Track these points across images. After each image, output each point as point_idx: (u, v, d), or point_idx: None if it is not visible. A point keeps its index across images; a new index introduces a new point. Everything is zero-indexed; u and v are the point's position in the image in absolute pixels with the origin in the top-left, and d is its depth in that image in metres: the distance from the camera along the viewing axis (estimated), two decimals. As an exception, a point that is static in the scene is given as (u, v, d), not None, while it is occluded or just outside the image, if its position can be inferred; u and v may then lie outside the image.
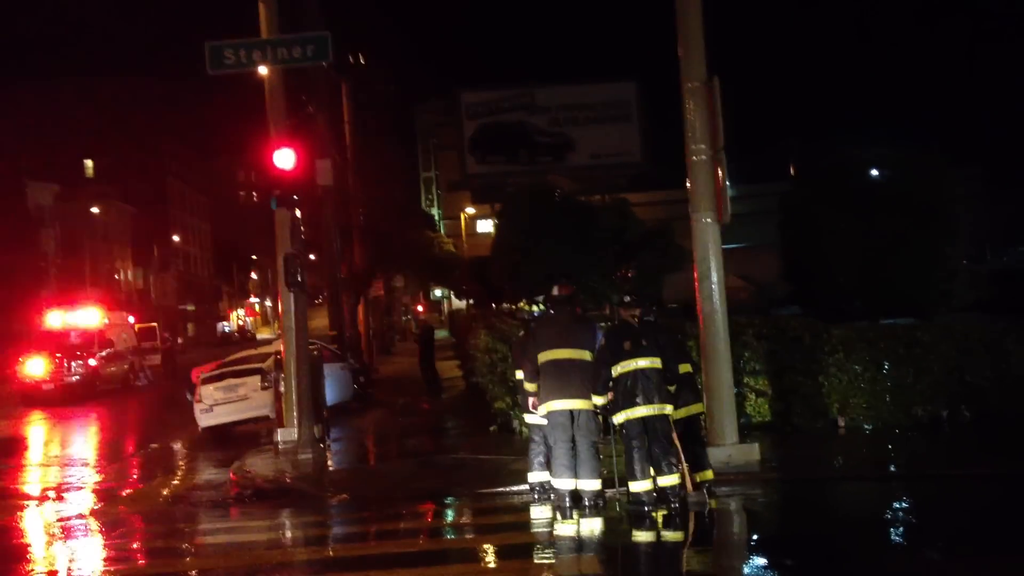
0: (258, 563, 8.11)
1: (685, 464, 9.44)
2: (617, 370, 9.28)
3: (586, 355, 9.47)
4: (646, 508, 9.17)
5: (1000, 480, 10.15)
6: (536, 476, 10.04)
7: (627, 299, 9.98)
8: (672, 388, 9.44)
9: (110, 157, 72.63)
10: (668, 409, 9.29)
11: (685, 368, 9.75)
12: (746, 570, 7.62)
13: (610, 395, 9.41)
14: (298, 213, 14.69)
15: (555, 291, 10.17)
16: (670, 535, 8.89)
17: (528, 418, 10.26)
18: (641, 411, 9.18)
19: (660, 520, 9.02)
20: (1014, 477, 10.16)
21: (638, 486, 9.23)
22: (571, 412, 9.39)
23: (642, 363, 9.22)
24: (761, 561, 7.79)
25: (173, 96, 76.68)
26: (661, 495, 9.26)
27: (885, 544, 8.00)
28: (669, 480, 9.24)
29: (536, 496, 10.02)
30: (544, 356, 9.61)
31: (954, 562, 7.29)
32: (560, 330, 9.72)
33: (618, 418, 9.35)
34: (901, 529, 8.68)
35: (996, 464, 10.58)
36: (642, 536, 8.83)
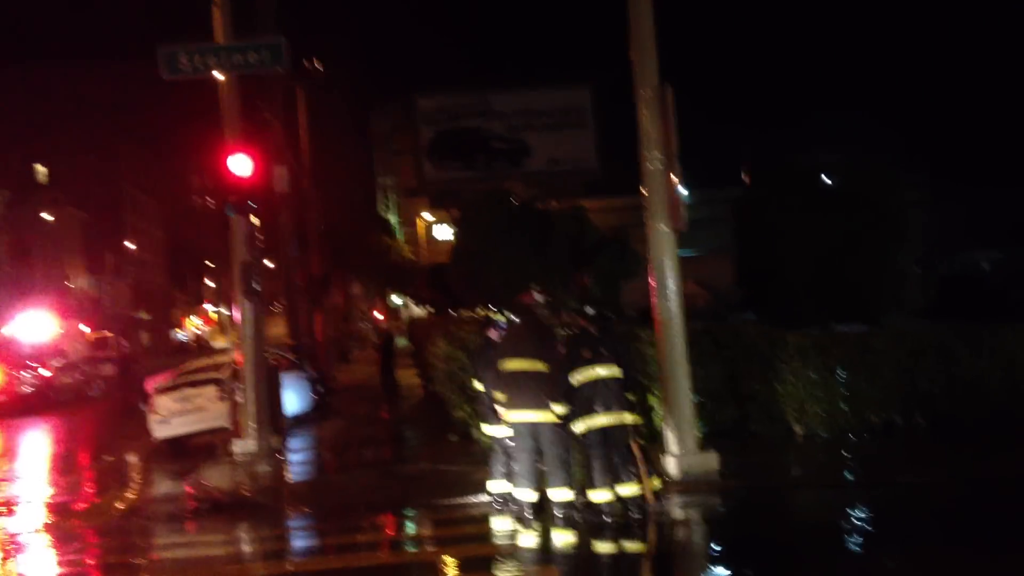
0: (215, 579, 8.03)
1: (644, 473, 9.49)
2: (576, 378, 9.27)
3: (539, 366, 9.34)
4: (606, 518, 9.20)
5: (953, 486, 10.34)
6: (497, 486, 10.03)
7: (588, 309, 9.94)
8: (633, 397, 9.48)
9: (62, 162, 71.46)
10: (628, 418, 9.30)
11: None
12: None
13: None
14: (254, 220, 14.56)
15: (517, 298, 10.17)
16: (632, 545, 8.92)
17: (486, 429, 10.27)
18: (601, 420, 9.18)
19: (620, 530, 9.06)
20: (967, 483, 10.35)
21: (598, 496, 9.25)
22: (532, 424, 9.35)
23: (602, 372, 9.23)
24: (722, 571, 7.85)
25: (127, 100, 75.67)
26: (621, 504, 9.31)
27: (842, 551, 8.10)
28: (629, 490, 9.28)
29: (497, 506, 10.02)
30: (501, 366, 9.61)
31: (910, 568, 7.40)
32: (515, 340, 9.70)
33: (578, 427, 9.35)
34: (858, 536, 8.79)
35: (949, 470, 10.76)
36: (603, 547, 8.84)
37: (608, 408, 9.20)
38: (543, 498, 9.46)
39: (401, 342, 52.32)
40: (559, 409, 9.34)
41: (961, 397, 12.92)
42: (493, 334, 10.45)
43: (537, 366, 9.33)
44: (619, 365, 9.32)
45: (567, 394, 9.29)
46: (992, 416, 12.95)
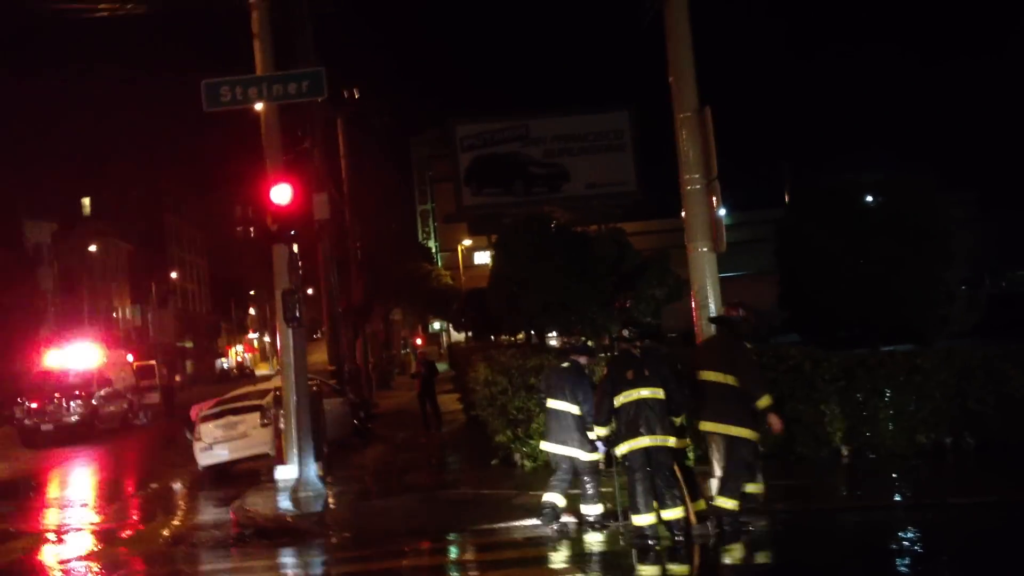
0: (260, 605, 8.04)
1: (688, 496, 9.40)
2: (619, 400, 9.26)
3: (730, 379, 9.31)
4: (649, 542, 9.11)
5: (1005, 507, 10.10)
6: (595, 509, 10.11)
7: (626, 332, 9.93)
8: (678, 420, 9.39)
9: (107, 194, 72.79)
10: (671, 441, 9.24)
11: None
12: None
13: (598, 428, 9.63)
14: (295, 248, 14.68)
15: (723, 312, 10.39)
16: (676, 569, 8.81)
17: (556, 448, 10.36)
18: (644, 441, 9.14)
19: (666, 553, 8.96)
20: (1018, 505, 10.11)
21: (641, 519, 9.20)
22: (727, 436, 9.42)
23: (645, 393, 9.20)
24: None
25: (170, 132, 77.12)
26: (667, 527, 9.23)
27: (892, 573, 7.93)
28: (673, 513, 9.20)
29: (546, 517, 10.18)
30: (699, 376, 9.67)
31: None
32: (708, 352, 9.97)
33: (620, 449, 9.32)
34: (908, 558, 8.61)
35: (1001, 491, 10.52)
36: (648, 570, 8.75)
37: (651, 430, 9.14)
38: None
39: (441, 367, 52.42)
40: (601, 431, 9.35)
41: (1011, 417, 12.66)
42: (583, 359, 10.56)
43: (726, 379, 9.30)
44: (663, 387, 9.26)
45: (608, 415, 9.31)
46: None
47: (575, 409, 10.03)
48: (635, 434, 9.16)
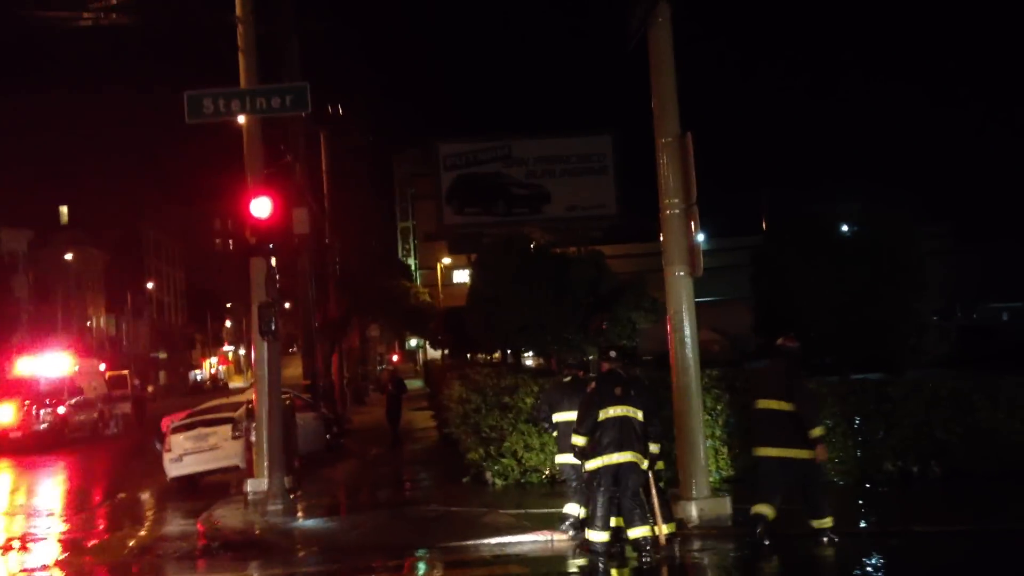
0: (225, 616, 8.00)
1: (659, 516, 9.48)
2: (605, 414, 9.46)
3: (786, 406, 9.68)
4: (599, 558, 9.30)
5: (970, 537, 10.22)
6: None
7: (612, 354, 10.21)
8: (655, 445, 9.58)
9: (85, 203, 72.34)
10: (644, 462, 9.43)
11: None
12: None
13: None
14: (273, 262, 14.67)
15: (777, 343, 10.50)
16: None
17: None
18: (617, 458, 9.31)
19: (633, 572, 9.03)
20: (983, 535, 10.23)
21: (596, 535, 9.41)
22: (784, 458, 9.72)
23: (629, 411, 9.43)
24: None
25: (150, 143, 76.81)
26: (634, 546, 9.35)
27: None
28: (640, 532, 9.30)
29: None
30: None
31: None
32: (765, 381, 10.37)
33: (593, 463, 9.48)
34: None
35: (966, 521, 10.64)
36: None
37: (629, 447, 9.34)
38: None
39: (416, 384, 52.22)
40: (580, 441, 9.52)
41: (977, 447, 12.81)
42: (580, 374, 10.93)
43: (784, 406, 9.60)
44: (643, 409, 9.50)
45: (591, 428, 9.46)
46: (1009, 467, 12.82)
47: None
48: (612, 450, 9.34)
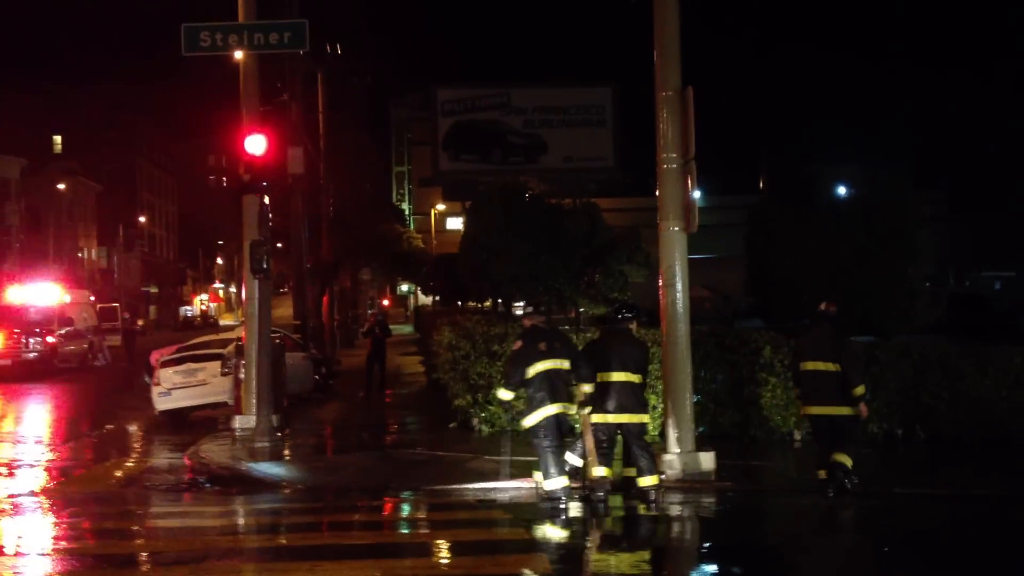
0: (208, 548, 8.07)
1: (590, 455, 9.89)
2: (535, 369, 9.71)
3: (832, 367, 10.07)
4: (561, 504, 9.54)
5: (948, 501, 10.35)
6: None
7: (530, 309, 10.71)
8: (588, 387, 9.80)
9: (80, 134, 71.66)
10: (573, 408, 9.84)
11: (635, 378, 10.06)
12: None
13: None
14: (267, 200, 14.59)
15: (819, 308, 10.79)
16: (628, 540, 8.97)
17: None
18: (552, 409, 9.66)
19: (622, 522, 9.20)
20: (962, 499, 10.36)
21: (553, 483, 9.64)
22: (827, 416, 10.06)
23: (555, 364, 9.74)
24: (711, 568, 7.87)
25: (147, 76, 76.02)
26: (640, 496, 9.80)
27: (827, 558, 8.10)
28: (648, 480, 9.77)
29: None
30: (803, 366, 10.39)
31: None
32: (815, 343, 10.42)
33: (532, 418, 9.76)
34: (845, 544, 8.80)
35: (946, 484, 10.76)
36: (593, 538, 8.89)
37: (560, 399, 9.70)
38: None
39: (406, 329, 52.25)
40: (507, 395, 10.03)
41: (963, 414, 12.93)
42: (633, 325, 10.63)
43: (831, 367, 10.05)
44: (569, 359, 9.81)
45: (518, 384, 9.81)
46: (993, 434, 12.97)
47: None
48: (547, 403, 9.63)
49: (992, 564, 7.79)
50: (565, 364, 9.77)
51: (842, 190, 16.70)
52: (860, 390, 10.01)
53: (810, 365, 10.27)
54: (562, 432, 9.82)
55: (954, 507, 10.15)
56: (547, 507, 9.61)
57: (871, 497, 10.33)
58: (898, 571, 7.63)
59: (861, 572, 7.66)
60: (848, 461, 10.02)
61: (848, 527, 9.42)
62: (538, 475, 10.02)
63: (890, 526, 9.29)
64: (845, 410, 10.01)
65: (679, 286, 11.45)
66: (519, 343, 10.04)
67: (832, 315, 10.58)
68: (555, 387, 9.69)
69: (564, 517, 9.37)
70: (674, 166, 11.56)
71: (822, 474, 10.13)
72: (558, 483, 9.64)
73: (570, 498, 9.70)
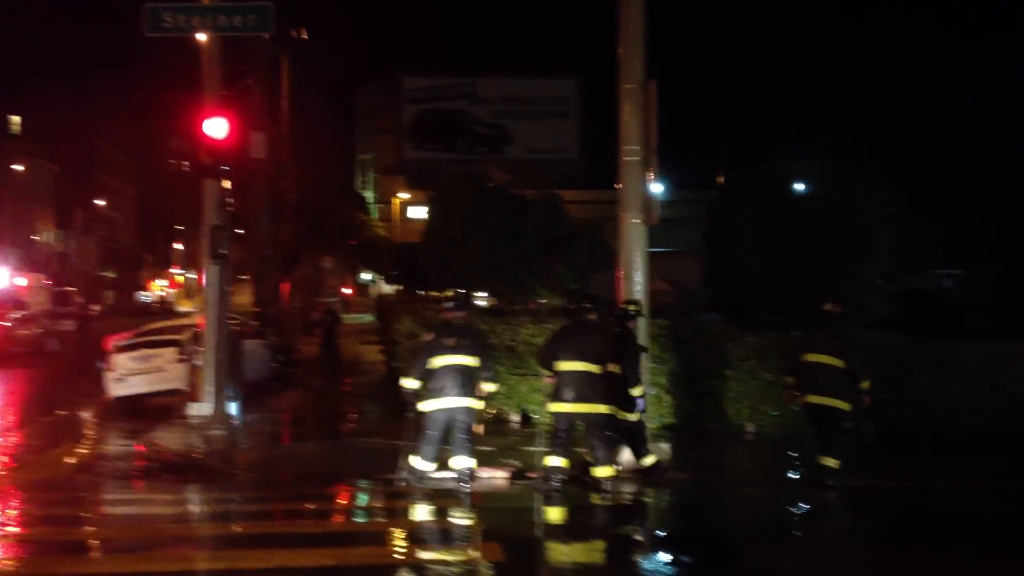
0: (159, 536, 8.02)
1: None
2: (439, 362, 9.99)
3: (837, 362, 10.37)
4: (418, 484, 10.01)
5: (895, 493, 10.55)
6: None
7: (450, 304, 11.00)
8: (493, 386, 10.26)
9: (38, 115, 70.40)
10: (475, 403, 10.05)
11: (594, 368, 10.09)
12: (646, 564, 7.76)
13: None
14: (227, 184, 14.48)
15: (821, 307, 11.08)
16: (581, 529, 9.04)
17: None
18: (448, 403, 9.95)
19: (575, 511, 9.29)
20: (910, 491, 10.56)
21: (423, 465, 10.07)
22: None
23: (460, 360, 9.97)
24: (664, 557, 7.96)
25: (109, 57, 74.81)
26: (594, 485, 9.93)
27: (775, 547, 8.22)
28: (603, 471, 9.89)
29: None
30: (804, 358, 10.64)
31: (839, 566, 7.55)
32: (824, 340, 10.64)
33: (427, 406, 10.07)
34: (793, 534, 8.94)
35: (893, 477, 10.96)
36: (545, 526, 8.95)
37: (459, 393, 9.94)
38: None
39: (367, 318, 52.01)
40: (412, 384, 10.18)
41: (911, 407, 13.15)
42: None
43: (836, 362, 10.36)
44: (477, 356, 10.07)
45: (422, 374, 10.11)
46: (940, 428, 13.23)
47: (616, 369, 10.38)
48: (443, 395, 9.94)
49: (939, 552, 7.95)
50: (470, 361, 10.00)
51: (800, 186, 16.91)
52: (866, 384, 10.44)
53: (813, 357, 10.56)
54: (464, 427, 10.01)
55: (902, 499, 10.35)
56: (413, 482, 10.02)
57: (818, 489, 10.50)
58: (847, 559, 7.77)
59: (810, 559, 7.78)
60: (834, 463, 10.30)
61: (799, 517, 9.56)
62: (413, 457, 10.17)
63: (840, 516, 9.46)
64: (844, 404, 10.36)
65: (638, 278, 11.54)
66: (430, 335, 10.35)
67: (837, 315, 10.99)
68: (456, 382, 9.93)
69: (518, 506, 9.40)
70: (636, 158, 11.64)
71: (829, 463, 10.38)
72: (427, 467, 10.04)
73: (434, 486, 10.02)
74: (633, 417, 10.46)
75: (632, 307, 10.80)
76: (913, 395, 13.27)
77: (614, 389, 10.21)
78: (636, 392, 10.29)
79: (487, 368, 10.14)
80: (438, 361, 10.02)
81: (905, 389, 13.23)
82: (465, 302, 11.41)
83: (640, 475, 10.62)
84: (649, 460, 10.50)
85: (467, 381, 10.00)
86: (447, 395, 9.95)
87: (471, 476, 10.06)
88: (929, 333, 15.42)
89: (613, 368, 10.30)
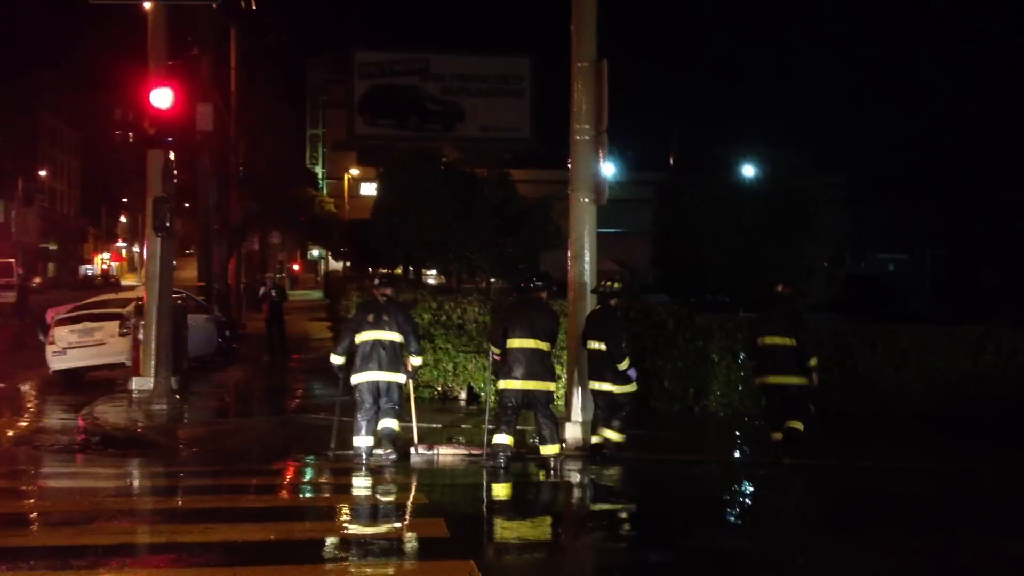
0: (98, 509, 7.90)
1: (415, 421, 10.74)
2: (362, 337, 10.31)
3: (788, 341, 10.72)
4: (363, 460, 10.12)
5: (834, 472, 10.76)
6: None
7: (377, 281, 11.21)
8: (419, 359, 10.49)
9: (-22, 82, 68.56)
10: (400, 377, 10.34)
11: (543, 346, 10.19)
12: (590, 540, 7.82)
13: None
14: (172, 156, 14.24)
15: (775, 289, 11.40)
16: (525, 505, 9.09)
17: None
18: (371, 376, 10.24)
19: (521, 488, 9.33)
20: (849, 470, 10.79)
21: (360, 441, 10.23)
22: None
23: (383, 335, 10.24)
24: (608, 533, 8.02)
25: (54, 25, 73.01)
26: (541, 463, 10.12)
27: (717, 523, 8.34)
28: (549, 449, 10.02)
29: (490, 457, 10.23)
30: (761, 340, 11.00)
31: (778, 541, 7.68)
32: (772, 321, 10.99)
33: (355, 379, 10.34)
34: (735, 510, 9.07)
35: (832, 456, 11.17)
36: (490, 503, 8.99)
37: (382, 367, 10.23)
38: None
39: (316, 294, 51.58)
40: (338, 360, 10.65)
41: (852, 389, 13.39)
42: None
43: (788, 341, 10.73)
44: (399, 332, 10.32)
45: (347, 348, 10.47)
46: (880, 409, 13.51)
47: (602, 346, 10.50)
48: (367, 368, 10.24)
49: (877, 529, 8.12)
50: (393, 336, 10.28)
51: (748, 170, 17.05)
52: (813, 362, 10.83)
53: (768, 340, 10.92)
54: (392, 398, 10.30)
55: (841, 478, 10.56)
56: (354, 460, 10.14)
57: (761, 467, 10.67)
58: (783, 534, 7.90)
59: (752, 535, 7.90)
60: (800, 426, 10.70)
61: (739, 494, 9.70)
62: (355, 436, 10.35)
63: (781, 494, 9.62)
64: (798, 379, 10.75)
65: (587, 257, 11.57)
66: (356, 312, 10.79)
67: (788, 296, 11.33)
68: (379, 356, 10.22)
69: (463, 483, 9.43)
70: (587, 138, 11.64)
71: (776, 436, 10.78)
72: (365, 441, 10.19)
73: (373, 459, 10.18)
74: (630, 389, 10.67)
75: (612, 284, 10.96)
76: (855, 377, 13.51)
77: (605, 367, 10.44)
78: (623, 366, 10.44)
79: (411, 343, 10.38)
80: (361, 337, 10.34)
81: (846, 371, 13.45)
82: (391, 279, 11.54)
83: (590, 452, 10.69)
84: (616, 436, 10.58)
85: (392, 356, 10.29)
86: (371, 369, 10.25)
87: (392, 440, 10.34)
88: (871, 317, 15.70)
89: (599, 346, 10.47)
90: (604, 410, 10.62)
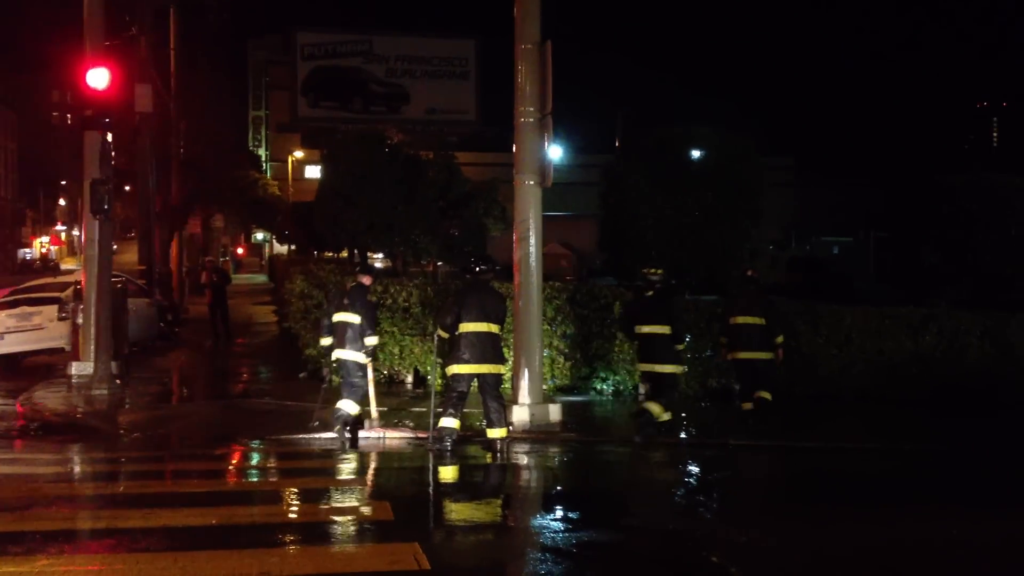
0: (37, 495, 7.73)
1: (373, 402, 11.10)
2: (334, 319, 10.86)
3: (759, 320, 11.86)
4: (347, 428, 10.59)
5: (777, 452, 10.93)
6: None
7: (357, 268, 11.97)
8: (373, 341, 10.87)
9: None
10: (360, 356, 10.70)
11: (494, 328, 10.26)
12: (534, 521, 7.85)
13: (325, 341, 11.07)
14: (109, 137, 13.94)
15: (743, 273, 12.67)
16: (471, 488, 9.09)
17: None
18: (339, 354, 10.74)
19: (467, 471, 9.33)
20: (791, 450, 10.97)
21: (346, 405, 10.67)
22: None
23: (347, 317, 10.75)
24: (552, 514, 8.05)
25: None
26: (487, 445, 10.18)
27: (662, 503, 8.41)
28: (496, 432, 10.05)
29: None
30: (733, 319, 12.05)
31: (723, 520, 7.77)
32: (746, 303, 11.98)
33: (334, 355, 10.87)
34: (678, 490, 9.16)
35: (776, 436, 11.33)
36: (436, 486, 8.97)
37: (345, 346, 10.72)
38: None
39: (260, 278, 51.02)
40: (324, 341, 11.03)
41: (796, 371, 13.57)
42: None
43: (758, 320, 11.84)
44: (359, 314, 10.72)
45: (328, 330, 10.91)
46: (824, 390, 13.72)
47: (663, 330, 11.17)
48: (337, 347, 10.81)
49: (818, 504, 8.25)
50: (354, 318, 10.72)
51: (694, 152, 17.12)
52: (780, 339, 11.97)
53: (740, 319, 11.91)
54: (348, 380, 10.72)
55: (783, 457, 10.73)
56: (335, 421, 10.63)
57: (707, 448, 10.80)
58: (728, 513, 8.00)
59: (692, 514, 7.98)
60: (768, 396, 11.76)
61: (683, 474, 9.80)
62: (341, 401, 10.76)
63: (724, 474, 9.74)
64: (767, 355, 11.83)
65: (533, 240, 11.57)
66: (335, 295, 11.42)
67: (757, 279, 12.43)
68: (343, 336, 10.73)
69: (409, 466, 9.41)
70: (531, 120, 11.63)
71: (747, 406, 11.85)
72: (352, 408, 10.73)
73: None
74: (684, 369, 11.73)
75: (660, 272, 11.54)
76: (799, 358, 13.69)
77: (666, 349, 11.11)
78: (681, 347, 11.45)
79: (365, 324, 10.78)
80: (333, 318, 10.90)
81: (790, 353, 13.61)
82: (368, 267, 12.12)
83: (535, 434, 10.72)
84: (664, 414, 11.07)
85: (354, 336, 10.75)
86: (338, 347, 10.80)
87: (346, 419, 10.62)
88: (816, 298, 15.91)
89: (659, 329, 11.03)
90: (653, 389, 11.39)
